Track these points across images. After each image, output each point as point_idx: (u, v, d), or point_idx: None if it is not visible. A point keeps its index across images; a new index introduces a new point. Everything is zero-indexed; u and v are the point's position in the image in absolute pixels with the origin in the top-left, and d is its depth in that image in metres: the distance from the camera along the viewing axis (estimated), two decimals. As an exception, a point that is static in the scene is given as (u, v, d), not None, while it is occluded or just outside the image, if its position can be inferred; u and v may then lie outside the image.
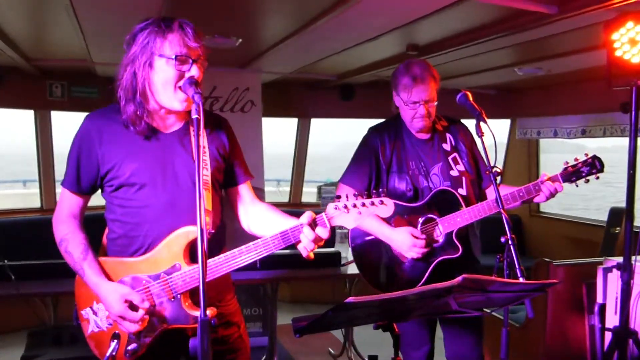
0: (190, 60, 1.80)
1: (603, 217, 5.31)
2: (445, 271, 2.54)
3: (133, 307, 1.81)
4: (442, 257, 2.57)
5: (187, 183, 1.91)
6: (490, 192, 2.74)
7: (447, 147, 2.69)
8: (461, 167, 2.67)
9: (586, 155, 2.53)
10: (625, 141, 2.94)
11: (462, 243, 2.58)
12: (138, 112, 1.85)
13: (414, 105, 2.59)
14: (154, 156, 1.90)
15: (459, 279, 1.55)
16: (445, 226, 2.56)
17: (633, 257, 2.82)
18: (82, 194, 1.96)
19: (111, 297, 1.81)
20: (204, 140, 1.89)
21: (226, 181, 2.08)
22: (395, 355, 1.83)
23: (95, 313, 1.92)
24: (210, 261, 1.84)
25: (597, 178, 2.54)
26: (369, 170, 2.66)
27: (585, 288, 3.35)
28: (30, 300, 3.87)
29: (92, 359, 1.97)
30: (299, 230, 1.82)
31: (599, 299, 3.21)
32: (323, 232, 1.82)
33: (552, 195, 2.51)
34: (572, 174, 2.51)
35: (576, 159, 2.53)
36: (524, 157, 6.53)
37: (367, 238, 2.67)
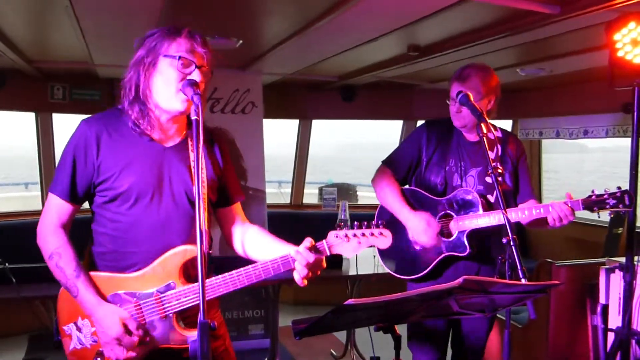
0: (194, 65, 1.79)
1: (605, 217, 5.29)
2: (454, 269, 2.65)
3: (128, 332, 1.78)
4: (449, 253, 2.62)
5: (183, 201, 1.88)
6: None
7: (492, 155, 2.70)
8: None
9: (619, 188, 2.46)
10: (627, 141, 2.93)
11: (479, 248, 2.61)
12: (143, 111, 1.82)
13: (453, 101, 2.64)
14: (152, 170, 1.85)
15: (459, 280, 1.54)
16: (459, 225, 2.60)
17: (635, 258, 2.82)
18: (74, 202, 1.88)
19: (110, 319, 1.77)
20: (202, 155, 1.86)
21: (219, 200, 2.04)
22: (396, 357, 1.83)
23: (79, 329, 1.86)
24: (207, 281, 1.80)
25: (624, 213, 2.47)
26: (410, 160, 2.77)
27: (587, 289, 3.35)
28: (31, 303, 3.86)
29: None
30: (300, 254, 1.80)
31: (602, 300, 3.20)
32: (318, 260, 1.80)
33: (559, 218, 2.42)
34: (595, 203, 2.45)
35: (606, 190, 2.46)
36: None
37: (391, 218, 2.73)
